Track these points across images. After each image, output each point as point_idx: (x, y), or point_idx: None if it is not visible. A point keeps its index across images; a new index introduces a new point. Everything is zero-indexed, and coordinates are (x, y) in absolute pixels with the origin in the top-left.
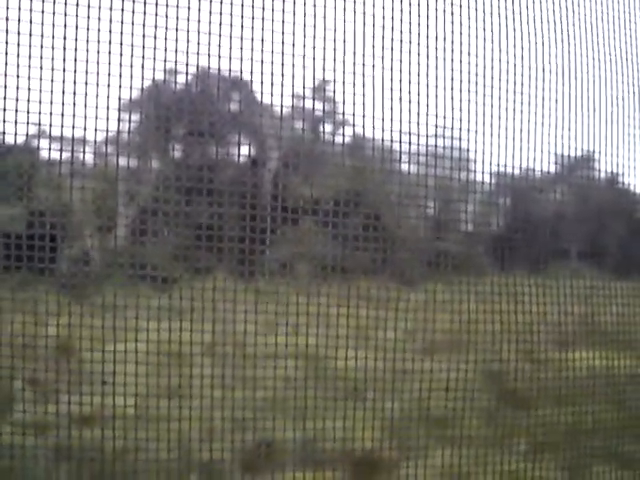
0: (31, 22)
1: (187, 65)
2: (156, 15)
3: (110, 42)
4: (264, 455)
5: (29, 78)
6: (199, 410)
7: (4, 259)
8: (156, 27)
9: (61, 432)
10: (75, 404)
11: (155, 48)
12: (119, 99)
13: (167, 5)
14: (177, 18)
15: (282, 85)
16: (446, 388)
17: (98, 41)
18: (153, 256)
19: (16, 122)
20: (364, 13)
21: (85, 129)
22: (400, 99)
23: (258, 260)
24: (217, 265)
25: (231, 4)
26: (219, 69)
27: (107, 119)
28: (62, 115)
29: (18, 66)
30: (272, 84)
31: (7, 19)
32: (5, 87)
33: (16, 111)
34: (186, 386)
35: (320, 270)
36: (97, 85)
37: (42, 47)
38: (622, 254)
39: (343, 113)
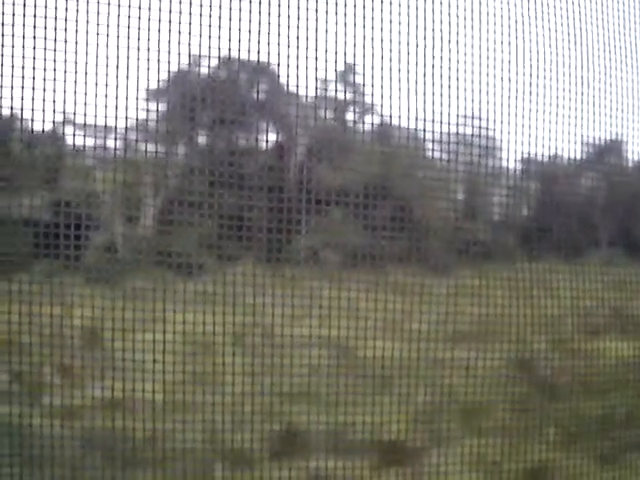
0: (56, 9)
1: (213, 52)
2: (181, 2)
3: (138, 29)
4: (292, 443)
5: (56, 66)
6: (227, 397)
7: (32, 248)
8: (181, 14)
9: (90, 419)
10: (103, 391)
11: (181, 35)
12: (146, 87)
13: None
14: (202, 5)
15: (308, 72)
16: (476, 377)
17: (126, 27)
18: (181, 244)
19: (43, 111)
20: None
21: (112, 117)
22: (427, 85)
23: (286, 248)
24: (245, 253)
25: None
26: (246, 56)
27: (134, 107)
28: (88, 103)
29: (45, 54)
30: (298, 71)
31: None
32: (33, 75)
33: (43, 100)
34: (213, 374)
35: (349, 258)
36: (124, 73)
37: (68, 33)
38: None
39: (371, 100)
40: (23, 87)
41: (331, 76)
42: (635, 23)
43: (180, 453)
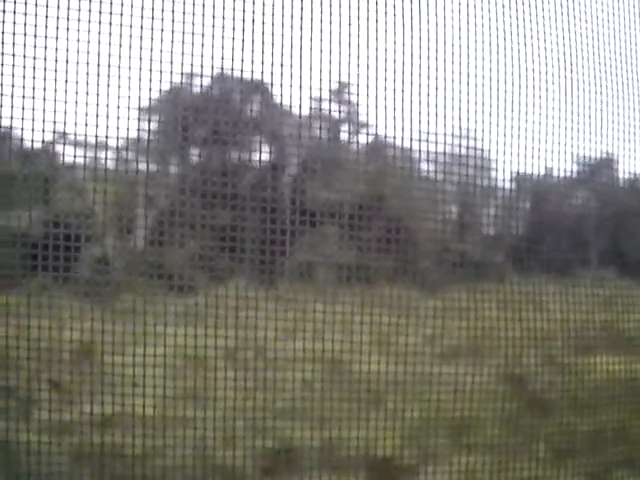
0: (48, 27)
1: (207, 69)
2: (174, 20)
3: (130, 47)
4: (284, 460)
5: (50, 82)
6: (220, 415)
7: (24, 263)
8: (175, 31)
9: (82, 435)
10: (96, 408)
11: (174, 52)
12: (139, 103)
13: (184, 12)
14: (196, 23)
15: (302, 88)
16: (467, 393)
17: (119, 45)
18: (173, 261)
19: (37, 126)
20: (385, 17)
21: (105, 134)
22: (420, 102)
23: (278, 266)
24: (237, 270)
25: (245, 10)
26: (240, 72)
27: (127, 123)
28: (82, 120)
29: (40, 70)
30: (292, 87)
31: (31, 25)
32: (26, 93)
33: (36, 115)
34: (206, 392)
35: (341, 275)
36: (117, 89)
37: (61, 50)
38: None
39: (365, 116)
40: (14, 103)
41: (325, 94)
42: (625, 41)
43: (170, 470)
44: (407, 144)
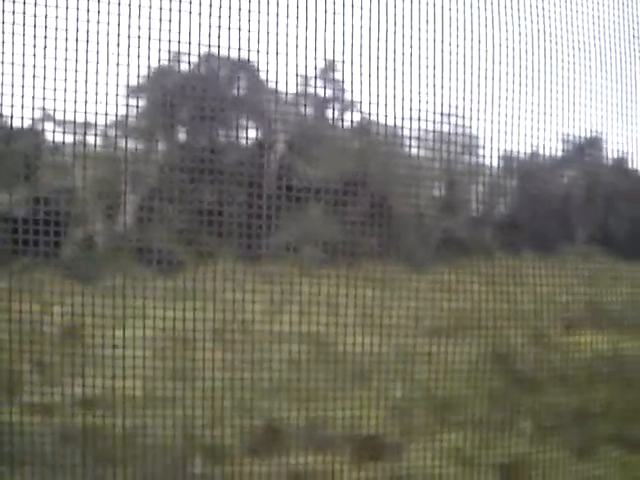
0: (36, 5)
1: (193, 48)
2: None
3: (118, 25)
4: (270, 438)
5: (35, 61)
6: (205, 393)
7: (9, 243)
8: (162, 10)
9: (67, 415)
10: (81, 388)
11: (161, 31)
12: (125, 82)
13: None
14: (182, 1)
15: (288, 67)
16: (453, 371)
17: (106, 23)
18: (159, 240)
19: (21, 106)
20: None
21: (91, 113)
22: (406, 82)
23: (264, 244)
24: (222, 249)
25: None
26: (226, 52)
27: (113, 103)
28: (67, 99)
29: (24, 49)
30: (278, 66)
31: (17, 2)
32: (11, 71)
33: (22, 95)
34: (192, 370)
35: (326, 253)
36: (103, 69)
37: (47, 29)
38: (630, 236)
39: (350, 95)
40: (1, 83)
41: (311, 72)
42: (613, 22)
43: (158, 449)
44: (394, 123)
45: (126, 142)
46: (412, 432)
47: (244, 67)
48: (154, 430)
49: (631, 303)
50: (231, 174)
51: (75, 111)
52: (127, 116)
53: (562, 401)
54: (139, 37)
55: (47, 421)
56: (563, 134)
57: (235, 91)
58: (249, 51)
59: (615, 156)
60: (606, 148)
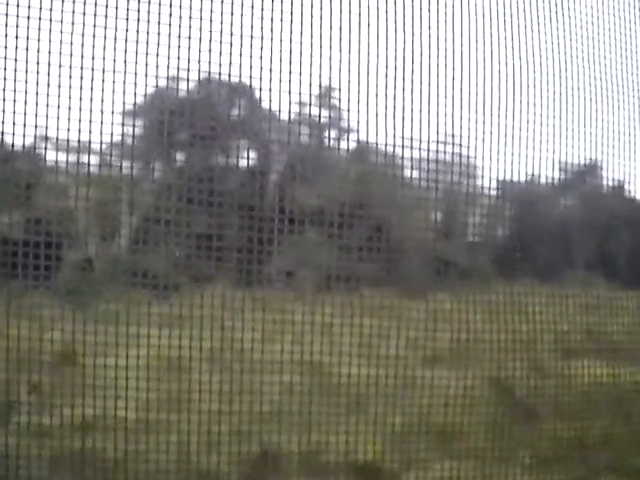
0: (31, 28)
1: (192, 72)
2: (160, 22)
3: (114, 49)
4: (266, 465)
5: (34, 83)
6: (201, 419)
7: (4, 266)
8: (161, 34)
9: (62, 439)
10: (76, 411)
11: (159, 55)
12: (123, 106)
13: (171, 14)
14: (182, 25)
15: (287, 92)
16: (450, 399)
17: (103, 47)
18: (155, 264)
19: (20, 127)
20: (369, 21)
21: (89, 135)
22: (405, 108)
23: (261, 269)
24: (219, 274)
25: (232, 12)
26: (227, 75)
27: (111, 125)
28: (64, 121)
29: (25, 71)
30: (277, 91)
31: (16, 26)
32: (12, 92)
33: (19, 116)
34: (187, 395)
35: (324, 280)
36: (101, 91)
37: (48, 53)
38: (629, 263)
39: (348, 120)
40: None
41: (310, 98)
42: (611, 52)
43: (152, 474)
44: (392, 149)
45: (121, 165)
46: (408, 460)
47: (242, 91)
48: (148, 455)
49: (631, 333)
50: (228, 199)
51: (73, 133)
52: (124, 140)
53: (560, 430)
54: (137, 60)
55: (41, 445)
56: (562, 161)
57: (233, 115)
58: (249, 76)
59: (613, 183)
60: (605, 175)
